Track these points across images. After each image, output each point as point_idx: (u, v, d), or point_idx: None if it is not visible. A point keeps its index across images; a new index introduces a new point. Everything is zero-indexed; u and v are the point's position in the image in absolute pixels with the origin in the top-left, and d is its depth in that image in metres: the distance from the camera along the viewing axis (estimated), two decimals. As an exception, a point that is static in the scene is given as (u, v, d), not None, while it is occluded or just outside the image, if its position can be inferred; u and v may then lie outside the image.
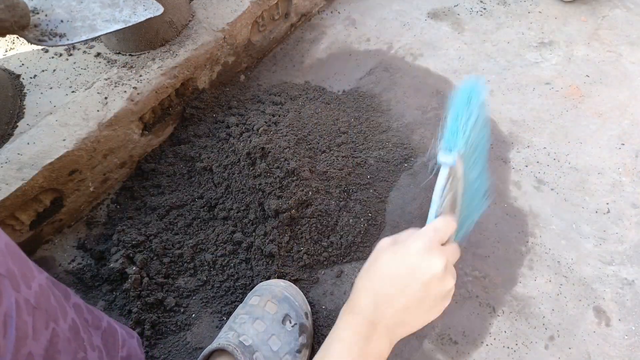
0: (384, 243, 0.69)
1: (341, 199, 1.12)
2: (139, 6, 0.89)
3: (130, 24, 0.87)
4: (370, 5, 1.63)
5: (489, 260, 1.06)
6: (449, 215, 0.72)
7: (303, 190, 1.08)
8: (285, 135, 1.18)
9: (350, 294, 0.66)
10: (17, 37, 1.27)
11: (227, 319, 1.01)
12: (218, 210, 1.12)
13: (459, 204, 0.77)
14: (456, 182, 0.73)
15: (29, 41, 0.87)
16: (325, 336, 0.97)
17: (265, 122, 1.20)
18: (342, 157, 1.19)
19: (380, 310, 0.60)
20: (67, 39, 0.83)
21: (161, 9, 0.92)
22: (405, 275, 0.62)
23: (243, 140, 1.17)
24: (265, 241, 1.07)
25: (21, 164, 0.99)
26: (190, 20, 1.27)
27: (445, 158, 0.67)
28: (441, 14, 1.59)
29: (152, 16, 0.89)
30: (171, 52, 1.20)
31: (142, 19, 0.91)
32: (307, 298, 1.02)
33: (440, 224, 0.69)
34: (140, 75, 1.15)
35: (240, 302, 1.02)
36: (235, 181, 1.14)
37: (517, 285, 1.03)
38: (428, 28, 1.55)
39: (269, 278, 1.03)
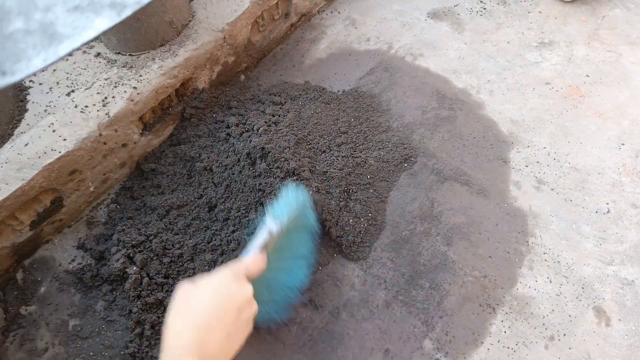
0: (184, 286, 0.69)
1: (341, 199, 1.12)
2: None
3: (127, 14, 0.37)
4: (370, 5, 1.63)
5: (489, 260, 1.06)
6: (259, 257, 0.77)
7: (303, 190, 1.08)
8: (285, 135, 1.18)
9: (166, 341, 0.61)
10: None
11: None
12: (218, 210, 1.12)
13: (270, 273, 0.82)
14: (272, 246, 0.80)
15: None
16: (326, 334, 0.97)
17: (265, 122, 1.20)
18: (342, 157, 1.19)
19: (205, 344, 0.61)
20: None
21: None
22: (221, 303, 0.64)
23: (243, 140, 1.17)
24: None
25: (21, 164, 0.99)
26: (190, 20, 1.27)
27: (271, 224, 0.79)
28: (441, 14, 1.59)
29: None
30: (171, 52, 1.20)
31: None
32: (306, 299, 1.02)
33: (249, 260, 0.74)
34: (140, 75, 1.15)
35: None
36: (235, 181, 1.14)
37: (517, 285, 1.03)
38: (428, 28, 1.55)
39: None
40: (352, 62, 1.47)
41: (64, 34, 0.35)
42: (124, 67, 1.16)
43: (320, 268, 1.06)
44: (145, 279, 1.00)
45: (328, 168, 1.15)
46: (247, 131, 1.20)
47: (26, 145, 1.01)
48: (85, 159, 1.07)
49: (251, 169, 1.12)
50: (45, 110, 1.11)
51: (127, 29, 1.14)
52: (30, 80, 1.17)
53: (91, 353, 0.96)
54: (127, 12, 0.37)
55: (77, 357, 0.96)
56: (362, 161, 1.20)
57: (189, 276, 1.05)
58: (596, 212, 1.12)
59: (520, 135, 1.26)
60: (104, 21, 0.36)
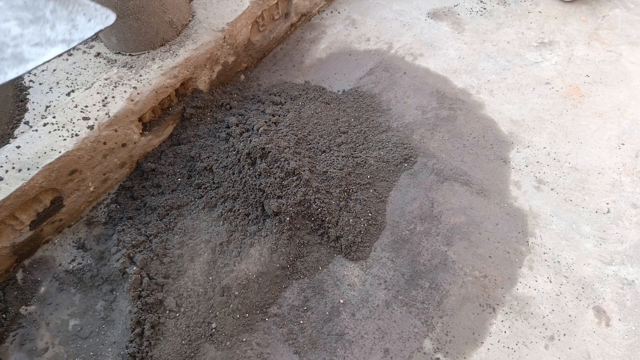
0: None
1: (341, 199, 1.12)
2: (78, 16, 0.57)
3: (74, 45, 0.57)
4: (370, 5, 1.63)
5: (489, 260, 1.06)
6: None
7: (303, 190, 1.08)
8: (285, 135, 1.18)
9: None
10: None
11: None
12: (218, 210, 1.12)
13: None
14: None
15: None
16: (324, 335, 0.97)
17: (265, 122, 1.20)
18: (342, 157, 1.19)
19: None
20: None
21: (112, 17, 0.62)
22: None
23: (243, 140, 1.17)
24: (265, 241, 1.07)
25: (21, 164, 0.99)
26: (190, 20, 1.27)
27: None
28: (441, 14, 1.59)
29: (102, 28, 0.61)
30: (171, 52, 1.20)
31: (89, 34, 0.60)
32: (306, 299, 1.02)
33: None
34: (140, 75, 1.15)
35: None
36: (236, 181, 1.14)
37: (517, 285, 1.03)
38: (428, 28, 1.55)
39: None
40: (352, 62, 1.47)
41: (29, 58, 0.55)
42: (124, 67, 1.16)
43: (320, 268, 1.06)
44: (145, 279, 1.00)
45: (328, 168, 1.15)
46: (247, 131, 1.20)
47: (26, 145, 1.01)
48: (85, 159, 1.07)
49: (251, 168, 1.12)
50: (46, 110, 1.11)
51: (127, 28, 1.13)
52: (31, 80, 1.17)
53: (91, 353, 0.96)
54: (74, 44, 0.57)
55: (77, 357, 0.96)
56: (362, 161, 1.20)
57: (189, 276, 1.05)
58: (596, 212, 1.12)
59: (520, 135, 1.26)
60: (57, 49, 0.56)
